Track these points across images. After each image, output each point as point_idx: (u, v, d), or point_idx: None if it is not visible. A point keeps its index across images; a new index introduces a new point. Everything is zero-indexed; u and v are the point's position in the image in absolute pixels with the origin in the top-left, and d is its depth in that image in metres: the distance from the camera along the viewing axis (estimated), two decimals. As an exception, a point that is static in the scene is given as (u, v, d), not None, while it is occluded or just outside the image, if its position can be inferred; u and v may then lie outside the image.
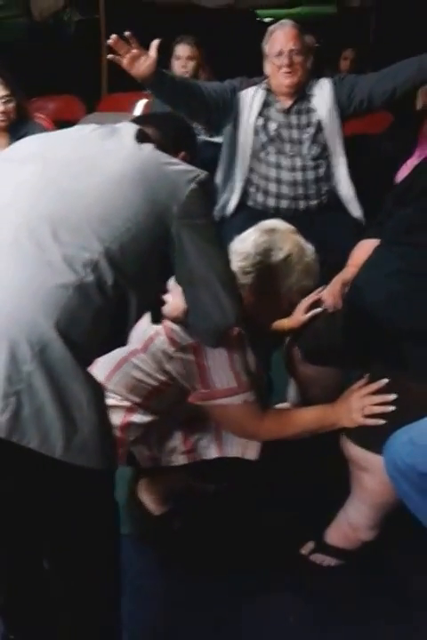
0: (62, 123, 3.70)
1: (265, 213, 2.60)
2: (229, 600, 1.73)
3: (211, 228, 1.32)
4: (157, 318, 1.45)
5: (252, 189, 2.73)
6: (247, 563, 1.82)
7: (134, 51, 2.28)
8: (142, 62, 2.30)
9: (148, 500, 1.95)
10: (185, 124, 1.64)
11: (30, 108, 3.18)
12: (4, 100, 2.88)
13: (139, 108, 3.97)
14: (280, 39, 2.56)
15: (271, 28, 2.64)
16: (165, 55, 3.52)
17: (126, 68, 2.32)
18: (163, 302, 1.43)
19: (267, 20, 6.83)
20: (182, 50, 3.49)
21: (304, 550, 1.85)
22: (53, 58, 5.48)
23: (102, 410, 1.19)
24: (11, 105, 2.89)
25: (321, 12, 6.37)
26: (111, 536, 1.32)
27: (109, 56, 2.30)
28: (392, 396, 1.61)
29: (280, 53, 2.55)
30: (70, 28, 6.27)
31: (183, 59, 3.47)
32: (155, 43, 2.30)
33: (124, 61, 2.29)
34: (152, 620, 1.69)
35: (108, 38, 2.27)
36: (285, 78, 2.57)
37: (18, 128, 2.86)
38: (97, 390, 1.19)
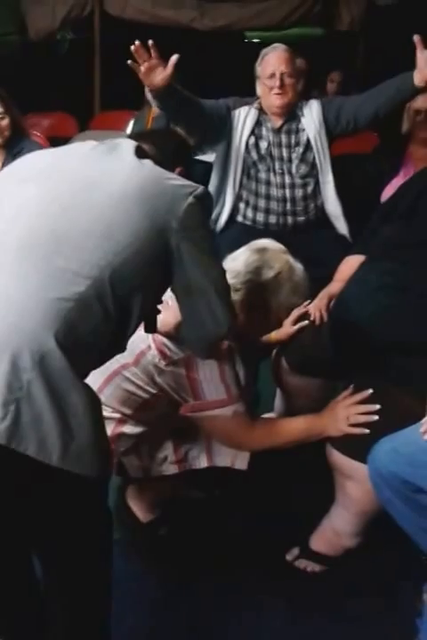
0: (56, 139, 3.77)
1: (254, 228, 2.69)
2: (215, 603, 1.76)
3: (208, 241, 1.35)
4: (152, 328, 1.48)
5: (242, 205, 2.80)
6: (233, 568, 1.85)
7: (153, 61, 2.33)
8: (158, 74, 2.35)
9: (135, 507, 1.98)
10: (181, 140, 1.68)
11: (26, 125, 3.22)
12: None
13: (130, 126, 4.04)
14: (273, 62, 2.64)
15: (265, 50, 2.72)
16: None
17: (142, 77, 2.36)
18: (158, 311, 1.46)
19: (255, 41, 6.97)
20: None
21: (289, 556, 1.89)
22: (48, 76, 5.55)
23: (98, 419, 1.22)
24: (5, 121, 2.91)
25: (309, 35, 6.48)
26: (104, 543, 1.34)
27: (129, 62, 2.33)
28: (376, 407, 1.67)
29: (272, 75, 2.63)
30: (64, 47, 6.35)
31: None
32: (173, 58, 2.34)
33: (142, 69, 2.33)
34: (139, 622, 1.72)
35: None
36: (276, 99, 2.64)
37: (13, 144, 2.89)
38: (93, 400, 1.21)
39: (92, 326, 1.19)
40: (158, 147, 1.44)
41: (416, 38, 2.30)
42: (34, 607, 1.40)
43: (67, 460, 1.14)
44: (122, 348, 1.34)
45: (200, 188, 1.31)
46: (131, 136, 1.45)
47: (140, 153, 1.33)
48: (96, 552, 1.32)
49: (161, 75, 2.35)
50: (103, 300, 1.19)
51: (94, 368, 1.31)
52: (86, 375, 1.24)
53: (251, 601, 1.77)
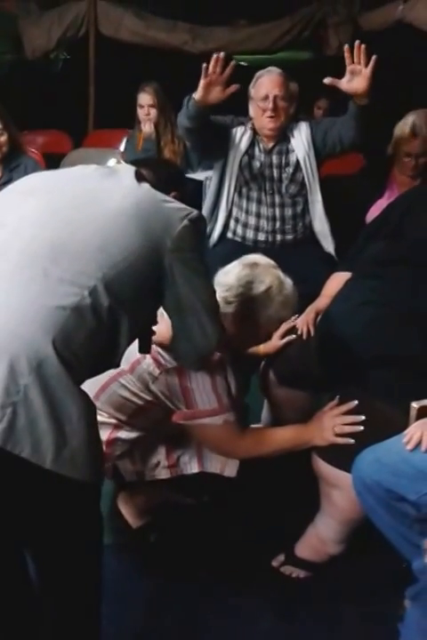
0: (50, 156, 3.83)
1: (244, 245, 2.76)
2: (202, 608, 1.81)
3: (200, 262, 1.41)
4: (146, 349, 1.53)
5: (233, 222, 2.87)
6: (220, 573, 1.90)
7: (223, 76, 2.47)
8: (216, 91, 2.48)
9: (126, 513, 2.01)
10: (176, 167, 1.77)
11: (24, 142, 3.28)
12: None
13: (123, 144, 4.12)
14: (266, 84, 2.70)
15: (259, 73, 2.78)
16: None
17: (203, 86, 2.48)
18: (153, 333, 1.51)
19: (243, 63, 7.09)
20: (144, 99, 3.67)
21: (275, 562, 1.93)
22: (43, 94, 5.62)
23: (92, 425, 1.25)
24: (3, 137, 2.98)
25: (298, 58, 6.61)
26: (95, 546, 1.37)
27: (204, 65, 2.47)
28: (361, 418, 1.73)
29: (266, 98, 2.68)
30: (58, 66, 6.44)
31: (146, 107, 3.65)
32: (233, 87, 2.47)
33: (208, 79, 2.46)
34: (128, 624, 1.76)
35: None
36: (268, 122, 2.70)
37: (10, 160, 2.95)
38: (88, 406, 1.25)
39: (86, 336, 1.23)
40: (155, 172, 1.51)
41: (328, 81, 2.44)
42: (27, 607, 1.42)
43: (60, 464, 1.17)
44: (115, 364, 1.37)
45: (195, 212, 1.38)
46: (130, 163, 1.52)
47: (138, 177, 1.40)
48: (87, 554, 1.35)
49: (218, 94, 2.49)
50: (97, 310, 1.24)
51: (88, 378, 1.34)
52: (82, 381, 1.28)
53: (238, 605, 1.82)
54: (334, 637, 1.75)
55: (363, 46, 2.39)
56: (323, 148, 2.76)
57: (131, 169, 1.42)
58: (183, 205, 1.40)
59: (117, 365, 1.39)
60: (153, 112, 3.65)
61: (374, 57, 2.38)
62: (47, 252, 1.26)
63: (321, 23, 5.36)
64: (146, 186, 1.40)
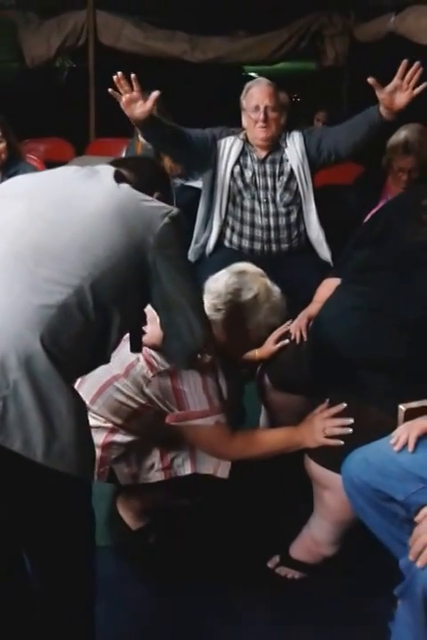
0: (52, 164, 3.86)
1: (240, 253, 2.78)
2: (199, 608, 1.84)
3: (182, 258, 1.47)
4: (137, 348, 1.56)
5: (228, 231, 2.90)
6: (216, 574, 1.93)
7: (134, 94, 2.43)
8: (138, 106, 2.44)
9: (125, 515, 2.04)
10: (159, 167, 1.79)
11: (22, 150, 3.34)
12: None
13: (124, 153, 4.16)
14: (257, 95, 2.73)
15: (249, 83, 2.82)
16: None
17: (123, 107, 2.45)
18: (143, 333, 1.54)
19: (252, 74, 7.13)
20: None
21: (270, 564, 1.96)
22: (45, 103, 5.69)
23: (81, 420, 1.28)
24: (2, 145, 3.04)
25: (301, 69, 6.68)
26: (86, 540, 1.39)
27: (110, 90, 2.41)
28: (350, 420, 1.77)
29: (257, 108, 2.71)
30: (61, 76, 6.50)
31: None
32: (154, 94, 2.43)
33: (123, 99, 2.42)
34: (125, 624, 1.79)
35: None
36: (260, 132, 2.73)
37: (9, 167, 3.01)
38: (77, 402, 1.28)
39: (73, 333, 1.27)
40: (137, 172, 1.53)
41: (371, 81, 2.37)
42: (23, 604, 1.43)
43: (50, 458, 1.20)
44: (105, 360, 1.41)
45: (175, 210, 1.42)
46: (111, 162, 1.56)
47: (118, 177, 1.44)
48: (78, 549, 1.37)
49: (141, 108, 2.44)
50: (84, 308, 1.28)
51: (78, 376, 1.39)
52: (72, 381, 1.31)
53: (234, 606, 1.85)
54: (328, 638, 1.77)
55: (420, 69, 2.35)
56: (317, 157, 2.78)
57: (111, 170, 1.45)
58: (164, 204, 1.44)
59: (107, 362, 1.42)
60: None
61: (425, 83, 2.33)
62: (31, 253, 1.30)
63: (318, 34, 5.42)
64: (125, 186, 1.43)
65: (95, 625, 1.48)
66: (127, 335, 1.52)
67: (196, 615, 1.82)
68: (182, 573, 1.94)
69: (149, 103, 2.45)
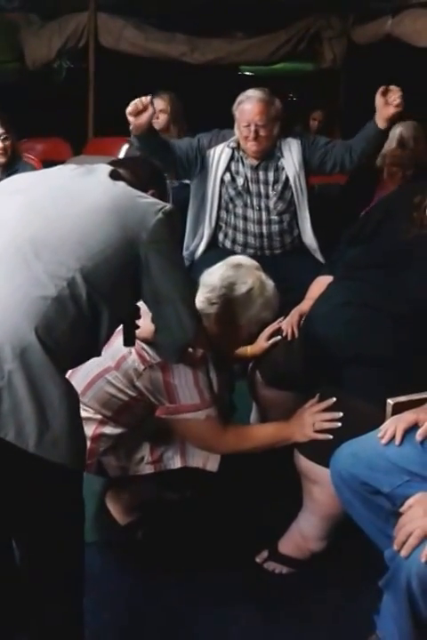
0: (50, 163, 3.88)
1: (234, 253, 2.76)
2: (187, 603, 1.84)
3: (174, 253, 1.49)
4: (131, 342, 1.59)
5: (221, 236, 2.92)
6: (205, 569, 1.93)
7: (146, 102, 2.52)
8: (145, 114, 2.52)
9: (114, 510, 2.05)
10: (154, 166, 1.82)
11: (21, 149, 3.38)
12: (2, 138, 3.09)
13: (122, 152, 4.19)
14: (247, 112, 2.73)
15: (240, 97, 2.80)
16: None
17: (130, 116, 2.52)
18: (137, 327, 1.57)
19: (248, 74, 7.19)
20: (156, 103, 3.67)
21: (259, 559, 1.97)
22: (43, 102, 5.71)
23: (74, 411, 1.31)
24: (8, 142, 3.10)
25: (299, 69, 6.71)
26: (76, 531, 1.41)
27: (128, 110, 2.52)
28: (340, 414, 1.78)
29: (248, 125, 2.72)
30: (59, 75, 6.54)
31: (157, 111, 3.71)
32: (148, 99, 2.51)
33: (137, 112, 2.51)
34: (113, 618, 1.79)
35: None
36: (252, 145, 2.75)
37: (9, 165, 3.06)
38: (70, 393, 1.30)
39: (67, 325, 1.30)
40: (133, 171, 1.57)
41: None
42: (10, 593, 1.46)
43: (42, 448, 1.23)
44: (97, 352, 1.44)
45: (168, 206, 1.45)
46: (109, 162, 1.59)
47: (114, 175, 1.48)
48: (68, 540, 1.38)
49: (146, 114, 2.52)
50: (77, 300, 1.31)
51: (71, 367, 1.41)
52: (65, 369, 1.34)
53: (222, 601, 1.85)
54: (317, 633, 1.78)
55: (397, 92, 2.53)
56: (318, 167, 2.81)
57: (107, 168, 1.49)
58: (157, 200, 1.48)
59: (99, 354, 1.45)
60: (162, 117, 3.68)
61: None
62: (29, 247, 1.33)
63: (316, 36, 5.46)
64: (121, 184, 1.47)
65: (83, 619, 1.49)
66: (120, 328, 1.55)
67: (184, 610, 1.83)
68: (171, 568, 1.94)
69: (151, 108, 2.53)
